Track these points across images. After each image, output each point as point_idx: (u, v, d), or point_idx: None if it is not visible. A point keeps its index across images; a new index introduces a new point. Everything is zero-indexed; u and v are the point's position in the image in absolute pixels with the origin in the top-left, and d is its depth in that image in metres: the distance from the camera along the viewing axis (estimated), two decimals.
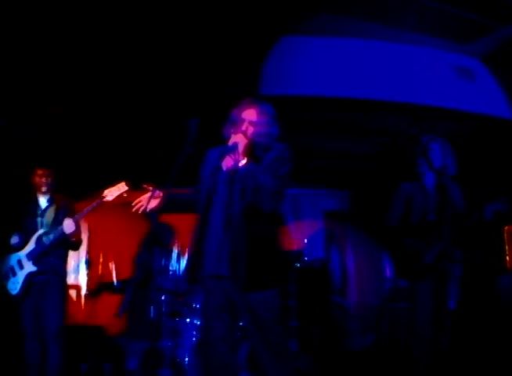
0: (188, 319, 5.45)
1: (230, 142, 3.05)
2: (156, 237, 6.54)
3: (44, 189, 4.80)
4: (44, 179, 4.78)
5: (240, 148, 3.03)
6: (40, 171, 4.78)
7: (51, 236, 4.60)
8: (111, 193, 4.56)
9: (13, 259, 4.68)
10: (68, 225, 4.53)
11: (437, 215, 4.06)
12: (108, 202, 4.58)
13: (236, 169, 3.02)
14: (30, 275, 4.61)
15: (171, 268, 6.69)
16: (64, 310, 4.70)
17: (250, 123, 3.11)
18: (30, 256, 4.62)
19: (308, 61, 5.37)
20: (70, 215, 4.64)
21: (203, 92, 5.24)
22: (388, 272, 6.52)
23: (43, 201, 4.84)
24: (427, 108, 5.63)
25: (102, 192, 4.57)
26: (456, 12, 5.28)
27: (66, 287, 4.89)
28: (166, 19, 4.71)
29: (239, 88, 4.89)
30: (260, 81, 5.10)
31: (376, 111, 5.69)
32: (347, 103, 5.39)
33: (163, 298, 5.71)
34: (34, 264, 4.61)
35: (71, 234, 4.57)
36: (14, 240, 4.67)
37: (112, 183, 4.59)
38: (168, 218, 6.61)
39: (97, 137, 5.98)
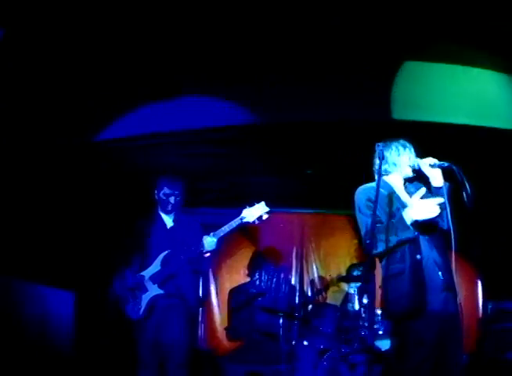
0: (306, 342, 5.10)
1: None
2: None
3: (169, 208, 4.52)
4: (172, 199, 4.50)
5: None
6: (168, 190, 4.50)
7: (183, 257, 4.28)
8: (251, 214, 4.24)
9: (132, 281, 4.33)
10: (209, 242, 4.21)
11: None
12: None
13: None
14: (155, 299, 4.26)
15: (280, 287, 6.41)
16: (190, 338, 4.36)
17: None
18: (155, 278, 4.29)
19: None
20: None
21: None
22: None
23: (168, 220, 4.53)
24: None
25: (240, 212, 4.25)
26: None
27: (194, 313, 4.51)
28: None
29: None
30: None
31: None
32: None
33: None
34: (160, 287, 4.27)
35: (209, 252, 4.25)
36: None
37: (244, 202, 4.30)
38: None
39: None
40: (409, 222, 3.09)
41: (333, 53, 4.91)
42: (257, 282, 6.83)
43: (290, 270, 7.20)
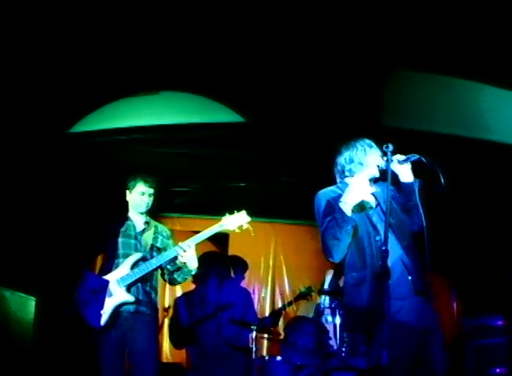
0: (279, 358, 4.86)
1: None
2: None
3: (142, 208, 4.18)
4: (146, 198, 4.16)
5: None
6: (143, 188, 4.16)
7: (155, 261, 3.95)
8: (231, 222, 3.99)
9: (96, 283, 3.93)
10: (185, 247, 3.90)
11: None
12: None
13: None
14: (121, 305, 3.89)
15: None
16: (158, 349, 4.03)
17: None
18: (122, 282, 3.91)
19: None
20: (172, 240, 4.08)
21: None
22: None
23: (139, 221, 4.19)
24: None
25: (219, 219, 4.03)
26: None
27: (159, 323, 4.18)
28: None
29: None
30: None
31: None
32: None
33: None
34: (128, 292, 3.90)
35: (187, 258, 3.94)
36: None
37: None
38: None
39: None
40: (345, 210, 2.96)
41: (323, 59, 4.75)
42: (225, 293, 6.51)
43: (260, 281, 6.97)
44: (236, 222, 4.01)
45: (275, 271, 7.12)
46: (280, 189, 6.24)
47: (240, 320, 5.68)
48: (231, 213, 4.06)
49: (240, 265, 6.47)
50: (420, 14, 4.48)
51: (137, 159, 5.20)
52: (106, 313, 3.83)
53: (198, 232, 4.08)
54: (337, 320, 4.99)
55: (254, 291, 6.85)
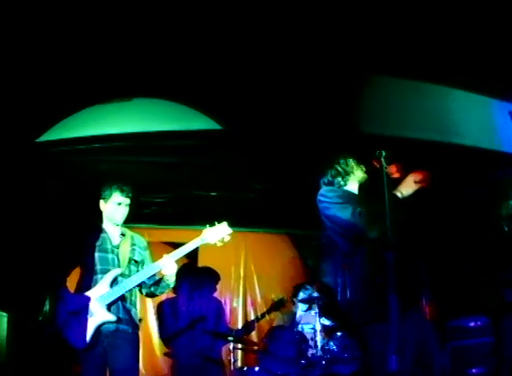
0: (257, 368, 4.79)
1: None
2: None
3: (118, 219, 4.02)
4: (122, 208, 4.00)
5: None
6: (119, 198, 3.99)
7: (135, 278, 3.80)
8: (212, 235, 3.87)
9: (77, 303, 3.74)
10: (167, 263, 3.76)
11: None
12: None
13: None
14: (102, 324, 3.70)
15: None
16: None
17: None
18: (103, 301, 3.73)
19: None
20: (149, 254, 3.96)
21: None
22: None
23: (114, 234, 4.02)
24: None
25: (189, 229, 3.93)
26: None
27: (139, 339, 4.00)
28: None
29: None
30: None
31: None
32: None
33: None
34: (109, 311, 3.73)
35: (169, 275, 3.80)
36: None
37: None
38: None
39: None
40: None
41: (297, 66, 4.71)
42: (196, 304, 6.38)
43: (231, 292, 6.86)
44: (217, 234, 3.90)
45: (246, 281, 7.02)
46: (252, 198, 6.15)
47: (214, 331, 5.58)
48: (211, 225, 3.94)
49: (211, 276, 6.37)
50: (392, 20, 4.51)
51: (107, 168, 5.01)
52: (88, 333, 3.66)
53: (169, 243, 3.97)
54: (318, 327, 4.93)
55: (225, 301, 6.72)
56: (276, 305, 6.07)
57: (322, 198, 3.38)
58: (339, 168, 3.47)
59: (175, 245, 4.30)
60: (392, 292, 2.61)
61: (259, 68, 4.59)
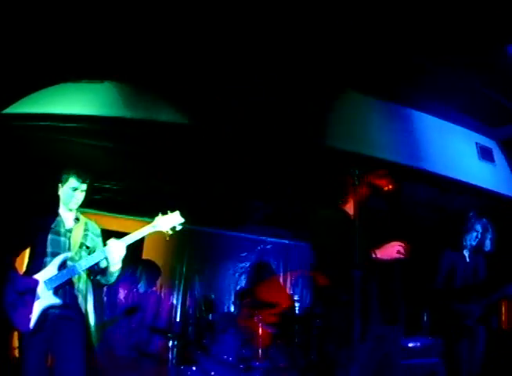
0: (194, 368, 4.74)
1: None
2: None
3: (73, 204, 3.91)
4: (78, 194, 3.89)
5: None
6: (75, 183, 3.89)
7: (84, 262, 3.70)
8: (164, 223, 3.82)
9: (23, 285, 3.61)
10: (115, 248, 3.67)
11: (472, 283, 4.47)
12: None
13: None
14: (48, 308, 3.59)
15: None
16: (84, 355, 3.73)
17: None
18: (50, 284, 3.62)
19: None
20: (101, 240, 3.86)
21: None
22: None
23: (68, 218, 3.91)
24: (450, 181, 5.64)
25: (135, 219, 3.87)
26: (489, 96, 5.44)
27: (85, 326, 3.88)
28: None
29: None
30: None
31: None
32: None
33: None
34: (56, 295, 3.62)
35: (116, 260, 3.71)
36: None
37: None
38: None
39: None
40: None
41: (268, 75, 4.73)
42: (135, 297, 6.26)
43: (171, 288, 6.79)
44: (169, 222, 3.84)
45: (187, 278, 6.96)
46: (204, 197, 6.10)
47: (151, 326, 5.50)
48: (164, 213, 3.89)
49: (153, 270, 6.28)
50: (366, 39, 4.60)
51: (68, 149, 4.83)
52: (33, 317, 3.55)
53: (114, 231, 3.90)
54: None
55: (165, 296, 6.64)
56: (215, 306, 6.06)
57: None
58: None
59: (121, 235, 4.22)
60: (357, 311, 2.62)
61: (259, 68, 4.58)
